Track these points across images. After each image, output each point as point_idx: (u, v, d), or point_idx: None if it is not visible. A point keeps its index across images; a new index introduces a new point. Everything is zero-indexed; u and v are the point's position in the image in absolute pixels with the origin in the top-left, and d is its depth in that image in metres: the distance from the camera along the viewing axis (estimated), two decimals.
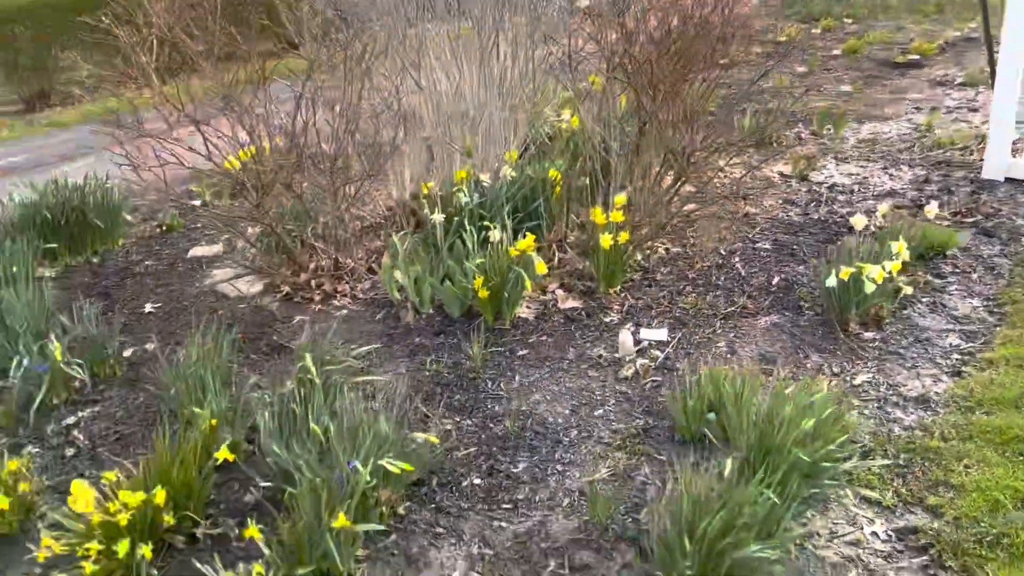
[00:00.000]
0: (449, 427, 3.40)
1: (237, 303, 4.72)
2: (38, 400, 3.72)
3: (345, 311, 4.50)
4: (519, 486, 3.02)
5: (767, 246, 4.84)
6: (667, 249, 4.87)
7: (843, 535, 2.68)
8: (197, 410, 3.13)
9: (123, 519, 2.70)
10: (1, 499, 2.96)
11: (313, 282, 4.70)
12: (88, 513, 2.76)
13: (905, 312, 3.98)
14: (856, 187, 5.75)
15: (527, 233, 4.20)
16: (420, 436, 2.84)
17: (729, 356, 3.71)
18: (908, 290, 3.82)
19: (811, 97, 7.83)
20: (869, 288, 3.65)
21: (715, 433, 3.01)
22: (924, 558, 2.56)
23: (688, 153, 4.31)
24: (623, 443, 3.21)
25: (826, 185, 5.80)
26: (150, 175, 4.47)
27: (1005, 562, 2.47)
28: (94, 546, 2.66)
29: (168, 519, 2.80)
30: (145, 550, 2.68)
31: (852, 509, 2.78)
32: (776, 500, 2.36)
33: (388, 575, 2.70)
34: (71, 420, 3.72)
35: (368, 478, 2.60)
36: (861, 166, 6.17)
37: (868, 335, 3.81)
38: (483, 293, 3.99)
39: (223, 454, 2.94)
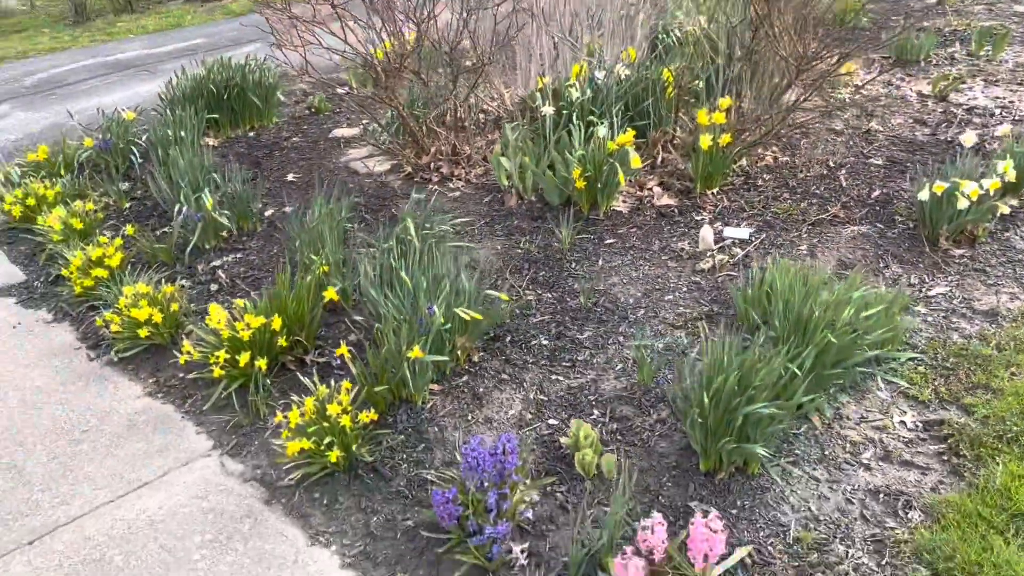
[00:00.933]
0: (531, 297, 3.75)
1: (365, 178, 5.21)
2: (192, 243, 4.37)
3: (458, 192, 4.89)
4: (581, 350, 3.36)
5: (879, 162, 4.80)
6: (775, 158, 4.92)
7: (872, 421, 2.86)
8: (313, 256, 3.63)
9: (245, 335, 3.25)
10: (156, 314, 3.61)
11: (432, 164, 5.12)
12: (219, 329, 3.34)
13: (1006, 234, 3.93)
14: (998, 111, 5.50)
15: (629, 130, 4.39)
16: (494, 293, 3.21)
17: (808, 259, 3.83)
18: (1005, 209, 3.77)
19: (976, 15, 7.37)
20: (962, 204, 3.65)
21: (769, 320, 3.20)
22: (942, 446, 2.71)
23: (800, 62, 4.32)
24: (684, 324, 3.46)
25: (965, 107, 5.58)
26: (302, 59, 4.96)
27: (1017, 456, 2.58)
28: (222, 354, 3.23)
29: (282, 341, 3.34)
30: (261, 363, 3.23)
31: (887, 401, 2.94)
32: (796, 371, 2.57)
33: (456, 405, 3.13)
34: (217, 263, 4.36)
35: (443, 321, 3.00)
36: (1011, 90, 5.85)
37: (957, 252, 3.81)
38: (580, 183, 4.26)
39: (330, 294, 3.43)
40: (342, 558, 2.61)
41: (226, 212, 4.45)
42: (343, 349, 3.01)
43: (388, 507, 2.76)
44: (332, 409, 2.85)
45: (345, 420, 2.83)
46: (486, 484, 2.55)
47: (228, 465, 3.07)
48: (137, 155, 5.66)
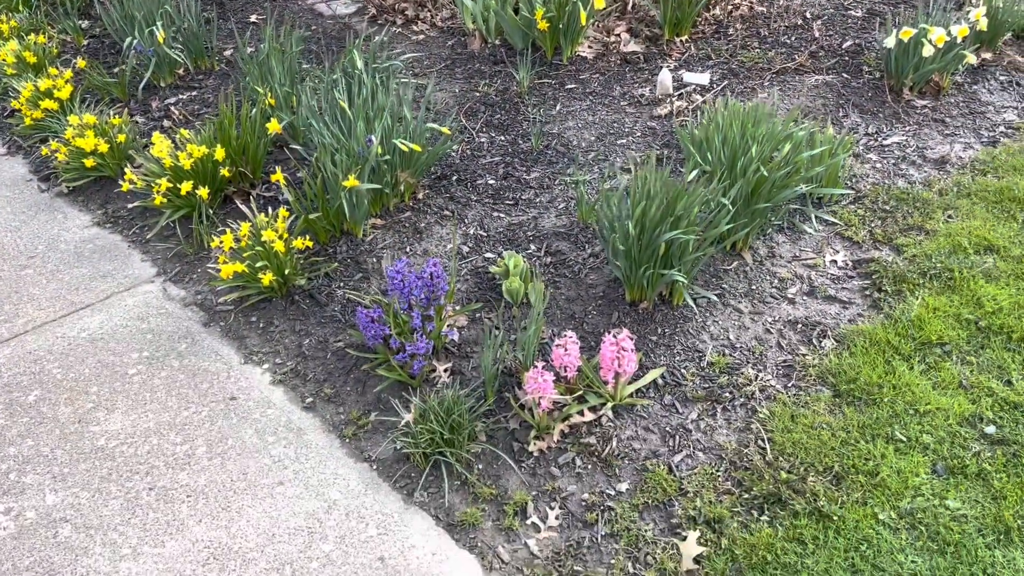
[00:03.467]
0: (483, 139, 3.70)
1: (328, 20, 5.04)
2: (145, 79, 4.27)
3: (422, 36, 4.74)
4: (526, 189, 3.34)
5: (858, 13, 4.63)
6: (751, 6, 4.74)
7: (804, 259, 2.88)
8: (258, 89, 3.55)
9: (187, 164, 3.22)
10: (102, 144, 3.56)
11: (397, 6, 4.94)
12: (162, 158, 3.31)
13: (974, 87, 3.84)
14: None
15: None
16: (435, 126, 3.16)
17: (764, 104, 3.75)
18: (972, 59, 3.66)
19: None
20: (927, 51, 3.54)
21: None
22: (866, 283, 2.74)
23: None
24: (632, 168, 3.43)
25: None
26: None
27: (935, 291, 2.61)
28: (164, 183, 3.22)
29: (225, 172, 3.31)
30: (203, 192, 3.22)
31: (822, 240, 2.95)
32: (725, 203, 2.57)
33: (396, 239, 3.14)
34: (172, 100, 4.27)
35: (380, 151, 2.97)
36: None
37: (920, 103, 3.73)
38: (542, 24, 4.12)
39: (273, 126, 3.37)
40: (273, 375, 2.69)
41: (179, 47, 4.33)
42: (278, 175, 2.99)
43: (321, 330, 2.82)
44: (267, 235, 2.86)
45: (279, 245, 2.84)
46: (413, 306, 2.59)
47: (170, 291, 3.11)
48: None
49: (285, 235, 2.93)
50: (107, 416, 2.59)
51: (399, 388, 2.55)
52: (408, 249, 3.08)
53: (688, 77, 3.94)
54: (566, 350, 2.33)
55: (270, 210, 3.29)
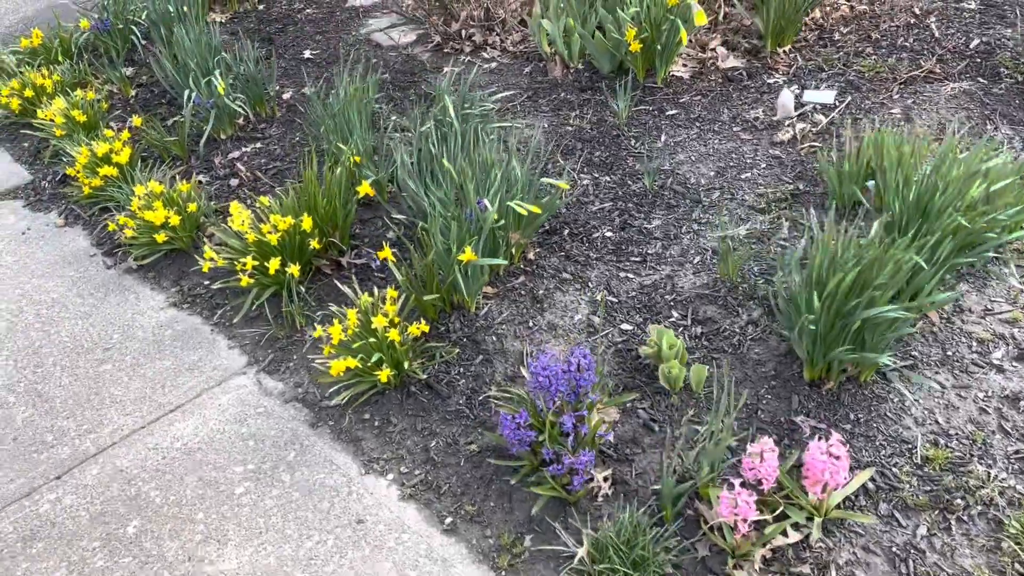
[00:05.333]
0: (587, 182, 3.33)
1: (389, 52, 4.69)
2: (206, 133, 3.95)
3: (494, 63, 4.38)
4: (650, 241, 2.96)
5: (972, 6, 4.19)
6: (851, 6, 4.32)
7: (999, 313, 2.48)
8: (341, 146, 3.21)
9: (273, 239, 2.89)
10: (173, 216, 3.24)
11: (463, 32, 4.58)
12: (244, 231, 2.97)
13: None
14: None
15: None
16: (551, 180, 2.79)
17: (903, 124, 3.34)
18: None
19: None
20: None
21: (872, 201, 2.78)
22: None
23: None
24: (767, 207, 3.04)
25: None
26: None
27: None
28: (249, 261, 2.88)
29: (315, 244, 2.97)
30: (293, 269, 2.88)
31: (1016, 288, 2.54)
32: (923, 264, 2.17)
33: (514, 311, 2.78)
34: (235, 154, 3.95)
35: (496, 217, 2.61)
36: None
37: None
38: (635, 46, 3.74)
39: (364, 189, 3.03)
40: (401, 488, 2.34)
41: (240, 96, 4.00)
42: (386, 252, 2.64)
43: (447, 429, 2.47)
44: (378, 322, 2.51)
45: (393, 334, 2.50)
46: (559, 404, 2.23)
47: (266, 384, 2.78)
48: (139, 36, 5.15)
49: (396, 319, 2.59)
50: (219, 551, 2.26)
51: (554, 504, 2.19)
52: (530, 323, 2.72)
53: (809, 96, 3.54)
54: (762, 459, 1.96)
55: (366, 284, 2.95)
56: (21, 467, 2.60)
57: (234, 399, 2.74)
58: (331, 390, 2.63)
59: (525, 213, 2.63)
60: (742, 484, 1.93)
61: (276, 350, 2.89)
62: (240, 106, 3.99)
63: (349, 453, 2.48)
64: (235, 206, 3.05)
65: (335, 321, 2.54)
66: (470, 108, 3.32)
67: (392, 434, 2.50)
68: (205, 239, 3.39)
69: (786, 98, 3.44)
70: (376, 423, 2.55)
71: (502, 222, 2.67)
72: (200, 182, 3.80)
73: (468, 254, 2.56)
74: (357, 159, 3.19)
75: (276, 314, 3.01)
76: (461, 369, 2.62)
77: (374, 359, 2.48)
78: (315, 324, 2.91)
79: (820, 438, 1.95)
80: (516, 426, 2.17)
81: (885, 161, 2.67)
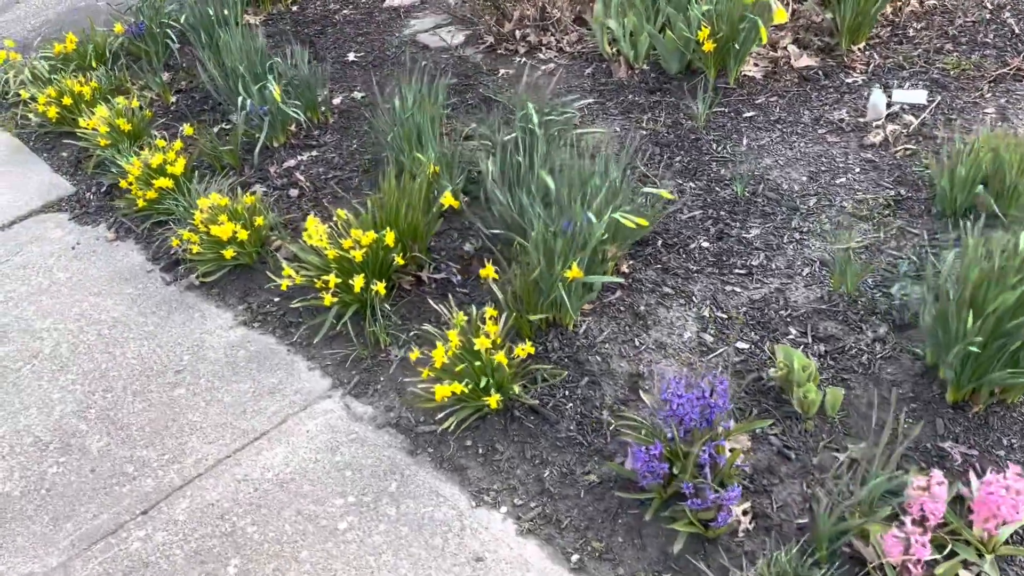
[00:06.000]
0: (671, 189, 3.19)
1: (439, 54, 4.54)
2: (260, 141, 3.80)
3: (552, 64, 4.23)
4: (752, 252, 2.83)
5: None
6: (920, 1, 4.18)
7: None
8: (419, 155, 3.07)
9: (358, 255, 2.74)
10: (241, 231, 3.10)
11: (518, 32, 4.43)
12: (323, 247, 2.83)
13: None
14: None
15: None
16: (654, 190, 2.65)
17: (1000, 123, 3.21)
18: None
19: None
20: None
21: (986, 207, 2.64)
22: None
23: None
24: (870, 214, 2.90)
25: None
26: None
27: None
28: (332, 279, 2.74)
29: (399, 259, 2.83)
30: (379, 287, 2.74)
31: None
32: None
33: (615, 328, 2.64)
34: (291, 163, 3.80)
35: (603, 231, 2.47)
36: None
37: None
38: (708, 46, 3.59)
39: (448, 200, 2.89)
40: (517, 522, 2.20)
41: (296, 103, 3.85)
42: (489, 270, 2.49)
43: (560, 457, 2.33)
44: (481, 343, 2.37)
45: (500, 357, 2.36)
46: (690, 433, 2.09)
47: (354, 408, 2.64)
48: (175, 40, 5.00)
49: (499, 340, 2.44)
50: None
51: (691, 540, 2.06)
52: (636, 342, 2.58)
53: (899, 96, 3.40)
54: (930, 492, 1.82)
55: (444, 298, 2.81)
56: (104, 501, 2.46)
57: (322, 425, 2.60)
58: (434, 416, 2.49)
59: (634, 226, 2.49)
60: (912, 521, 1.79)
61: (361, 371, 2.75)
62: (296, 111, 3.84)
63: (455, 483, 2.34)
64: (312, 221, 2.91)
65: (437, 343, 2.40)
66: (550, 114, 3.17)
67: (499, 463, 2.36)
68: (272, 253, 3.25)
69: (877, 99, 3.30)
70: (480, 450, 2.41)
71: (606, 236, 2.52)
72: (256, 192, 3.65)
73: (575, 271, 2.42)
74: (436, 169, 3.05)
75: (357, 333, 2.86)
76: (567, 392, 2.48)
77: (483, 383, 2.33)
78: (401, 344, 2.78)
79: (992, 469, 1.81)
80: (649, 457, 2.03)
81: (1004, 165, 2.53)
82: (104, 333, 3.12)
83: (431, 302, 2.86)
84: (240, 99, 3.78)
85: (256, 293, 3.18)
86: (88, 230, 3.78)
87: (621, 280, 2.69)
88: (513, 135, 2.96)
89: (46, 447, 2.68)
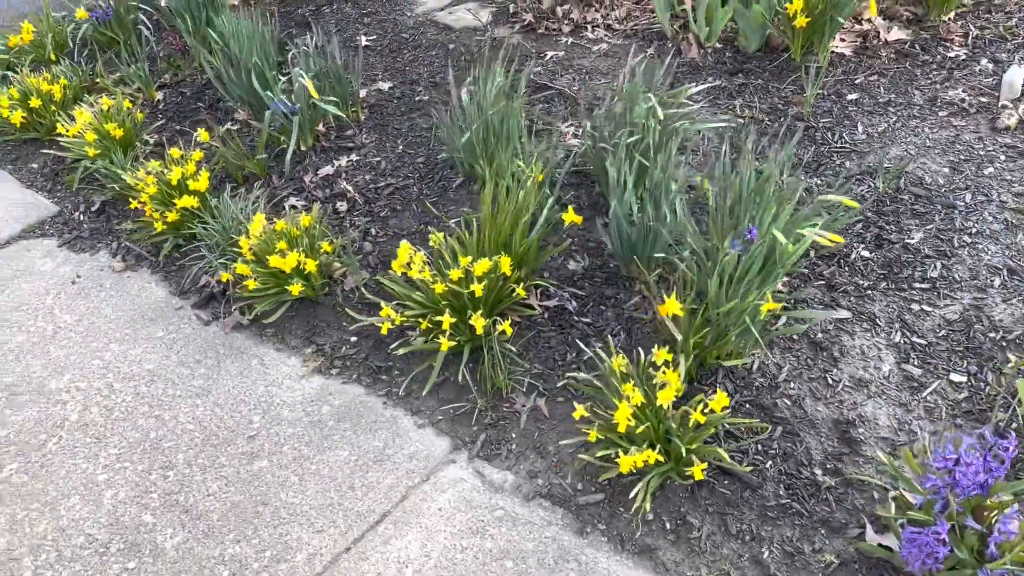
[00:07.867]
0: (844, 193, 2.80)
1: (468, 36, 4.03)
2: (291, 145, 3.24)
3: (604, 45, 3.78)
4: (924, 261, 2.46)
5: None
6: None
7: None
8: (520, 164, 2.59)
9: (478, 289, 2.27)
10: (309, 262, 2.57)
11: (559, 9, 3.96)
12: (425, 280, 2.34)
13: None
14: None
15: None
16: (834, 197, 2.25)
17: None
18: None
19: None
20: None
21: None
22: None
23: None
24: None
25: None
26: None
27: None
28: (447, 318, 2.26)
29: (520, 290, 2.37)
30: (505, 326, 2.28)
31: None
32: None
33: (795, 363, 2.25)
34: (329, 170, 3.26)
35: (800, 251, 2.06)
36: None
37: None
38: (801, 20, 3.21)
39: (570, 217, 2.43)
40: None
41: (333, 99, 3.30)
42: (673, 304, 2.04)
43: (777, 531, 1.93)
44: (664, 398, 1.95)
45: (697, 416, 1.93)
46: (958, 504, 1.72)
47: (489, 475, 2.18)
48: (149, 26, 4.34)
49: (680, 389, 2.02)
50: None
51: None
52: (828, 379, 2.19)
53: (1013, 73, 3.07)
54: None
55: (566, 330, 2.37)
56: None
57: (455, 499, 2.13)
58: (595, 480, 2.05)
59: (830, 243, 2.09)
60: None
61: (485, 427, 2.29)
62: (335, 107, 3.29)
63: (648, 571, 1.92)
64: (404, 247, 2.41)
65: (621, 404, 1.95)
66: (667, 106, 2.73)
67: (698, 540, 1.95)
68: (339, 281, 2.74)
69: (1013, 76, 2.97)
70: (667, 525, 1.99)
71: (795, 256, 2.11)
72: (294, 207, 3.11)
73: (769, 304, 2.01)
74: (540, 177, 2.58)
75: (469, 378, 2.39)
76: (759, 446, 2.08)
77: (675, 453, 1.91)
78: (527, 390, 2.33)
79: None
80: (926, 541, 1.65)
81: None
82: (143, 391, 2.57)
83: (549, 336, 2.42)
84: (264, 95, 3.21)
85: (324, 332, 2.67)
86: (87, 259, 3.18)
87: (832, 315, 2.29)
88: (637, 136, 2.50)
89: (106, 549, 2.14)
